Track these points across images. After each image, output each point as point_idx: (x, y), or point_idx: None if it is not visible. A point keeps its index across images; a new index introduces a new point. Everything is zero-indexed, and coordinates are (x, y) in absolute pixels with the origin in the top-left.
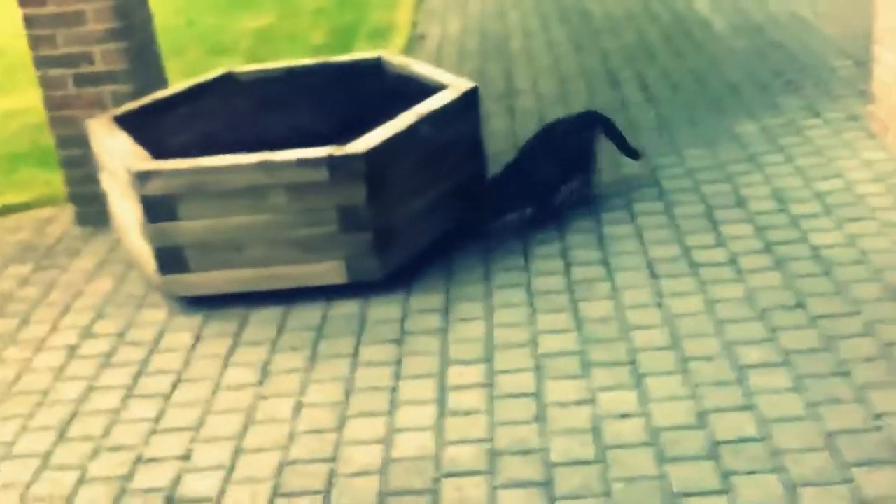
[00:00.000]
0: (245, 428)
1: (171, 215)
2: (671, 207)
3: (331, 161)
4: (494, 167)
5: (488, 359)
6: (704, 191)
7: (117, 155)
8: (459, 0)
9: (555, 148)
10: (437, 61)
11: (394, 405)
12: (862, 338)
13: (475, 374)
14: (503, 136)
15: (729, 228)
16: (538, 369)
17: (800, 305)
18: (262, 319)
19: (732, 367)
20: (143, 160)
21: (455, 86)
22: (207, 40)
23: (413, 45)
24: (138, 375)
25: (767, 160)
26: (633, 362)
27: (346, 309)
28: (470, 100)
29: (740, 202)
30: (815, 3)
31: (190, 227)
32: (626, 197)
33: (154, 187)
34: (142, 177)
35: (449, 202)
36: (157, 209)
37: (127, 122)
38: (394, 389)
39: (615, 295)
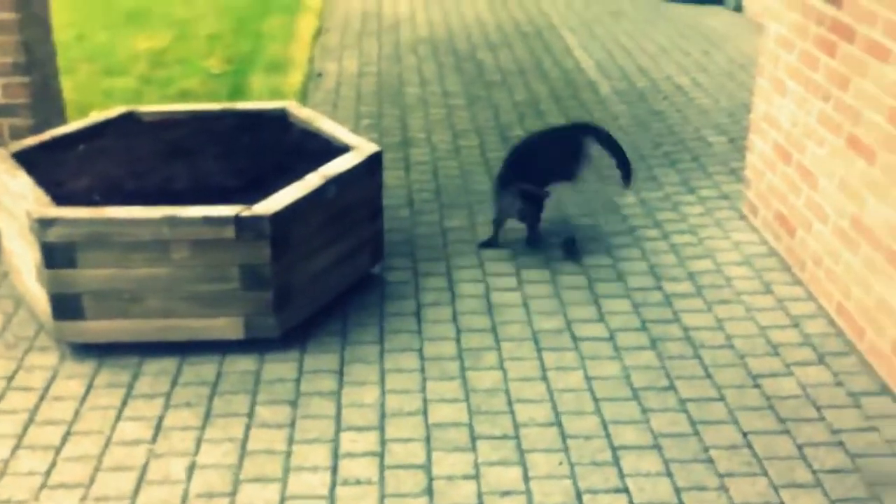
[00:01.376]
0: (137, 487)
1: (71, 263)
2: (556, 276)
3: (238, 221)
4: (390, 222)
5: (381, 426)
6: (587, 262)
7: (18, 197)
8: (355, 38)
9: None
10: (335, 102)
11: (287, 471)
12: (725, 425)
13: (368, 441)
14: (398, 188)
15: (609, 303)
16: (428, 440)
17: (671, 388)
18: (156, 371)
19: (608, 447)
20: (45, 206)
21: (360, 148)
22: (99, 59)
23: (310, 82)
24: (28, 424)
25: (645, 235)
26: (517, 437)
27: (242, 365)
28: (373, 163)
29: (619, 276)
30: (692, 72)
31: (89, 275)
32: (513, 263)
33: (55, 234)
34: (44, 223)
35: (347, 261)
36: (57, 256)
37: (26, 159)
38: (288, 454)
39: (502, 365)
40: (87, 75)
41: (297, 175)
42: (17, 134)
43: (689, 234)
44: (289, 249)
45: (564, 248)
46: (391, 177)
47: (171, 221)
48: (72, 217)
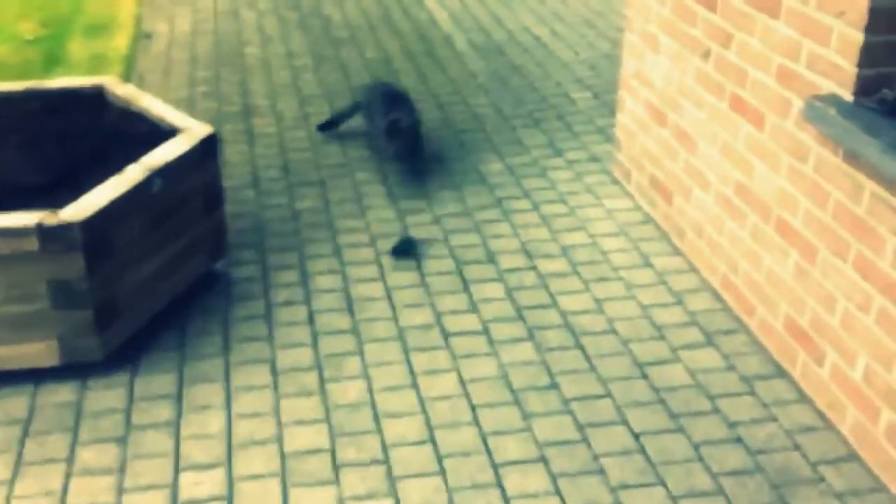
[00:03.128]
0: None
1: None
2: (422, 262)
3: (41, 230)
4: (233, 205)
5: (227, 461)
6: (454, 243)
7: None
8: None
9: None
10: (167, 67)
11: None
12: (615, 427)
13: (212, 483)
14: (241, 165)
15: (481, 289)
16: (284, 474)
17: (553, 386)
18: None
19: (489, 465)
20: None
21: (190, 130)
22: None
23: (137, 45)
24: None
25: (514, 207)
26: (386, 461)
27: (59, 396)
28: (207, 147)
29: (490, 257)
30: (549, 23)
31: None
32: (373, 248)
33: None
34: None
35: (182, 263)
36: None
37: None
38: None
39: (366, 373)
40: None
41: (116, 167)
42: None
43: (560, 203)
44: (109, 258)
45: (396, 252)
46: (233, 152)
47: None
48: None
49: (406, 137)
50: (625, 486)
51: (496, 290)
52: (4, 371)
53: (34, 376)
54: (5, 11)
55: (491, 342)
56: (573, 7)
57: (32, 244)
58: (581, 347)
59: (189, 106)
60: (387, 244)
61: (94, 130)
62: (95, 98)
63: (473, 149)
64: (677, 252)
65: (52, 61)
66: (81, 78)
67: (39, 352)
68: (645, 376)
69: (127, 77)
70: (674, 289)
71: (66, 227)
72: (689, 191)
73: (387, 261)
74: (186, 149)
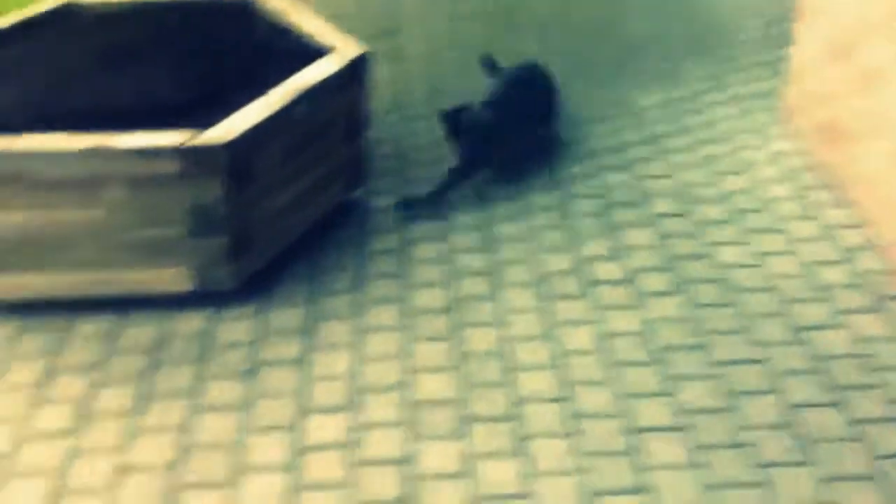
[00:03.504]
0: (54, 502)
1: None
2: (567, 202)
3: (183, 152)
4: (375, 130)
5: (353, 405)
6: (604, 181)
7: None
8: None
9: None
10: None
11: (237, 471)
12: (766, 395)
13: (336, 427)
14: (386, 86)
15: (629, 235)
16: (410, 424)
17: (701, 346)
18: (88, 335)
19: (626, 430)
20: None
21: (340, 51)
22: None
23: None
24: None
25: (671, 145)
26: (517, 418)
27: (190, 325)
28: (357, 69)
29: (642, 199)
30: None
31: (3, 219)
32: (519, 183)
33: None
34: None
35: (321, 191)
36: None
37: None
38: (239, 447)
39: (500, 320)
40: None
41: (262, 86)
42: None
43: (722, 143)
44: (248, 184)
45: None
46: (378, 72)
47: (102, 154)
48: None
49: (471, 137)
50: (772, 464)
51: (645, 236)
52: (137, 296)
53: (167, 302)
54: None
55: (637, 294)
56: None
57: (173, 166)
58: (735, 305)
59: (338, 21)
60: (532, 181)
61: (240, 47)
62: (242, 12)
63: (629, 78)
64: (848, 204)
65: None
66: None
67: (174, 277)
68: (804, 342)
69: None
70: (841, 245)
71: (208, 150)
72: (867, 137)
73: (531, 198)
74: (335, 70)
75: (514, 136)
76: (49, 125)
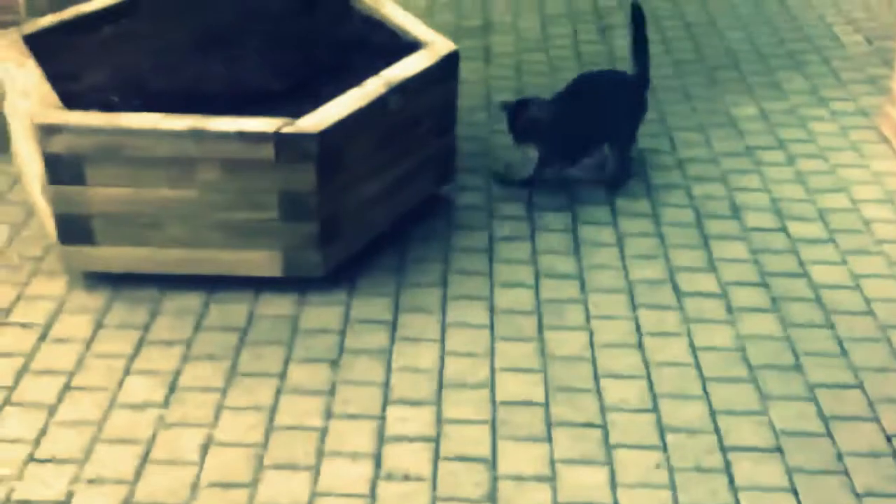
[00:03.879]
0: (139, 469)
1: (78, 179)
2: (658, 209)
3: (279, 138)
4: (464, 127)
5: (436, 400)
6: (696, 192)
7: (22, 94)
8: None
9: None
10: None
11: (321, 456)
12: (864, 422)
13: (419, 421)
14: (475, 86)
15: (722, 247)
16: (494, 424)
17: (797, 367)
18: (177, 311)
19: (717, 448)
20: (48, 109)
21: (432, 46)
22: None
23: None
24: (22, 373)
25: (767, 158)
26: (602, 425)
27: (277, 308)
28: (448, 65)
29: (735, 212)
30: None
31: (100, 194)
32: (612, 188)
33: (60, 144)
34: (47, 130)
35: (410, 183)
36: (62, 170)
37: (40, 43)
38: (324, 433)
39: (588, 325)
40: None
41: (355, 77)
42: (35, 11)
43: (820, 160)
44: (339, 173)
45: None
46: (467, 69)
47: (198, 135)
48: (80, 124)
49: (529, 131)
50: (870, 493)
51: (739, 249)
52: (228, 276)
53: (255, 284)
54: None
55: (729, 308)
56: None
57: (268, 152)
58: (832, 327)
59: (427, 16)
60: (622, 188)
61: (335, 37)
62: (338, 2)
63: (725, 88)
64: None
65: None
66: None
67: (263, 261)
68: None
69: None
70: None
71: (303, 137)
72: None
73: (620, 204)
74: (427, 65)
75: (582, 136)
76: (144, 105)
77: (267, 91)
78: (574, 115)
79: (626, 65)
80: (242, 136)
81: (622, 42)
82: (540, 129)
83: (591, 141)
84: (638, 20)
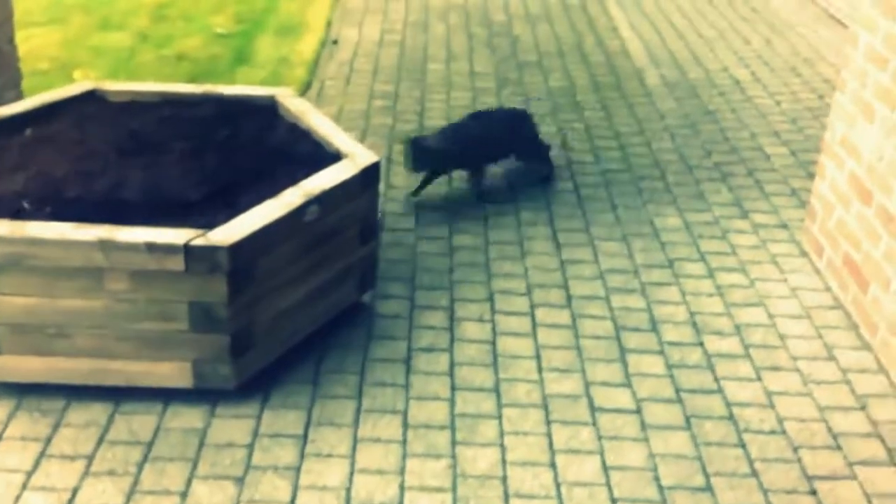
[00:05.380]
0: None
1: None
2: (577, 321)
3: (188, 251)
4: (389, 233)
5: None
6: (616, 303)
7: None
8: (380, 1)
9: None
10: (349, 76)
11: None
12: None
13: None
14: (404, 190)
15: (639, 361)
16: None
17: (707, 489)
18: (82, 423)
19: None
20: None
21: (354, 157)
22: (96, 10)
23: (324, 51)
24: None
25: (687, 270)
26: None
27: (186, 420)
28: (369, 176)
29: (653, 325)
30: (752, 65)
31: (5, 303)
32: (527, 299)
33: None
34: None
35: (328, 293)
36: None
37: None
38: None
39: (502, 441)
40: (78, 28)
41: (276, 185)
42: None
43: (740, 273)
44: (252, 285)
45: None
46: (400, 173)
47: (107, 246)
48: None
49: (421, 160)
50: None
51: (656, 364)
52: (136, 387)
53: (164, 396)
54: (204, 4)
55: (643, 425)
56: (779, 50)
57: (178, 263)
58: (744, 446)
59: (364, 119)
60: (543, 295)
61: (259, 145)
62: (267, 110)
63: (651, 198)
64: (867, 347)
65: (239, 59)
66: (257, 87)
67: (172, 372)
68: (814, 491)
69: (308, 83)
70: (858, 391)
71: (213, 250)
72: (889, 281)
73: (541, 314)
74: (348, 176)
75: (472, 161)
76: (56, 212)
77: (184, 200)
78: (461, 140)
79: (558, 177)
80: (151, 247)
81: (555, 152)
82: (432, 156)
83: (482, 157)
84: None
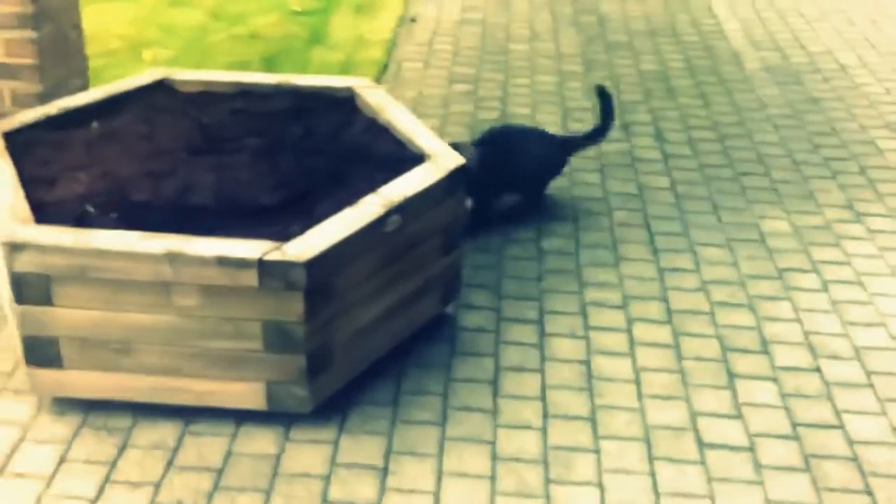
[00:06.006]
0: None
1: (46, 299)
2: (680, 339)
3: (262, 266)
4: (470, 238)
5: None
6: (721, 320)
7: None
8: None
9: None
10: (427, 58)
11: None
12: None
13: None
14: None
15: (750, 388)
16: None
17: None
18: (149, 444)
19: None
20: (16, 224)
21: (437, 159)
22: None
23: (402, 29)
24: None
25: (800, 282)
26: None
27: (258, 445)
28: (454, 180)
29: (764, 345)
30: (858, 48)
31: (68, 316)
32: (623, 312)
33: (27, 263)
34: (12, 248)
35: (409, 306)
36: (29, 289)
37: (20, 140)
38: None
39: (600, 480)
40: (150, 4)
41: (354, 191)
42: (21, 102)
43: (857, 286)
44: (330, 302)
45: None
46: None
47: (175, 259)
48: (48, 243)
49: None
50: None
51: (769, 392)
52: (207, 407)
53: (236, 415)
54: None
55: (757, 465)
56: (887, 32)
57: (251, 279)
58: (870, 493)
59: (444, 106)
60: (641, 308)
61: (337, 143)
62: (344, 104)
63: (755, 198)
64: None
65: (315, 38)
66: (334, 77)
67: (245, 393)
68: None
69: (385, 65)
70: None
71: (289, 266)
72: None
73: (638, 331)
74: (431, 182)
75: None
76: (122, 218)
77: (258, 205)
78: (490, 163)
79: (651, 173)
80: (223, 261)
81: (646, 145)
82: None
83: (502, 188)
84: (605, 101)
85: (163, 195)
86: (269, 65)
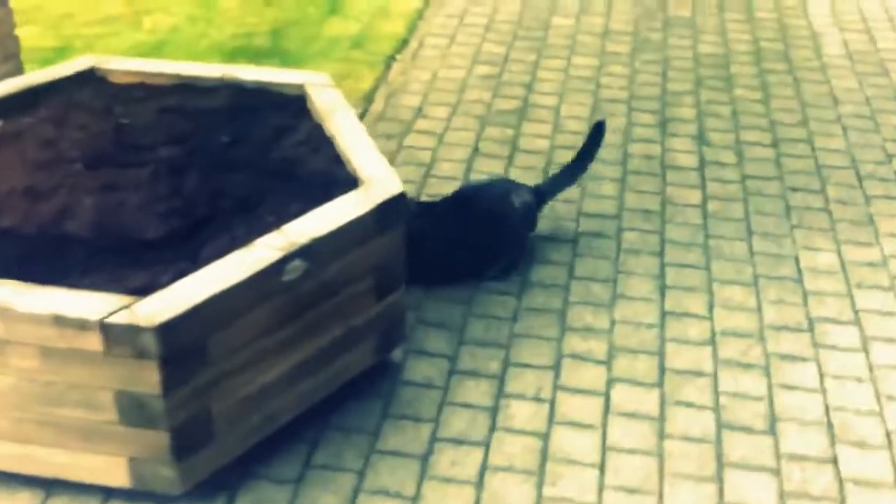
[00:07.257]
0: None
1: None
2: (664, 411)
3: (105, 330)
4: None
5: None
6: (724, 384)
7: None
8: None
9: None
10: (454, 34)
11: None
12: None
13: None
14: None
15: (739, 485)
16: None
17: None
18: None
19: None
20: None
21: (369, 187)
22: None
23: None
24: None
25: (834, 339)
26: None
27: None
28: (387, 214)
29: (771, 424)
30: None
31: None
32: (606, 367)
33: None
34: None
35: (327, 362)
36: None
37: None
38: None
39: None
40: None
41: (258, 225)
42: None
43: None
44: (204, 367)
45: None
46: (485, 165)
47: (5, 314)
48: None
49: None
50: None
51: (766, 489)
52: (67, 481)
53: (103, 490)
54: None
55: None
56: None
57: (94, 343)
58: None
59: (458, 91)
60: (627, 364)
61: (263, 156)
62: (293, 104)
63: (801, 222)
64: None
65: (333, 8)
66: (287, 71)
67: (106, 468)
68: None
69: (405, 40)
70: None
71: (138, 330)
72: None
73: (618, 396)
74: (354, 217)
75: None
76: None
77: (138, 239)
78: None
79: (678, 185)
80: (59, 320)
81: (682, 150)
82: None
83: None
84: (594, 139)
85: (33, 220)
86: (276, 37)
